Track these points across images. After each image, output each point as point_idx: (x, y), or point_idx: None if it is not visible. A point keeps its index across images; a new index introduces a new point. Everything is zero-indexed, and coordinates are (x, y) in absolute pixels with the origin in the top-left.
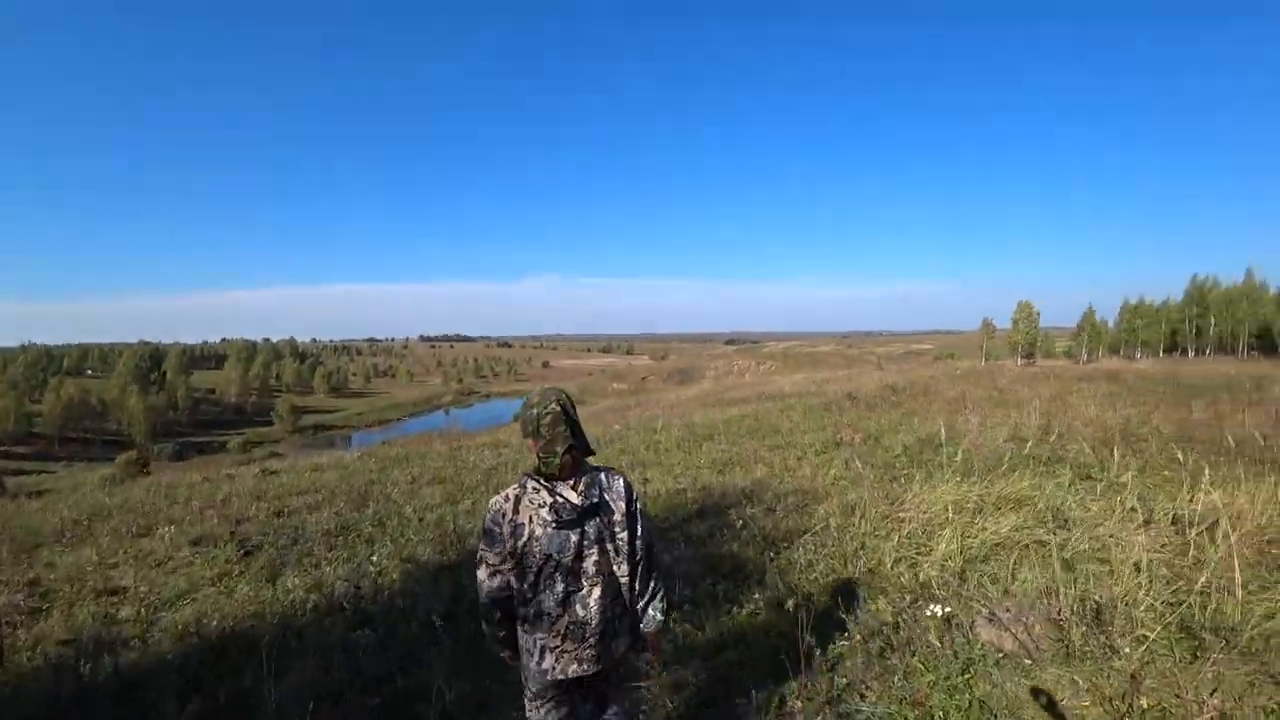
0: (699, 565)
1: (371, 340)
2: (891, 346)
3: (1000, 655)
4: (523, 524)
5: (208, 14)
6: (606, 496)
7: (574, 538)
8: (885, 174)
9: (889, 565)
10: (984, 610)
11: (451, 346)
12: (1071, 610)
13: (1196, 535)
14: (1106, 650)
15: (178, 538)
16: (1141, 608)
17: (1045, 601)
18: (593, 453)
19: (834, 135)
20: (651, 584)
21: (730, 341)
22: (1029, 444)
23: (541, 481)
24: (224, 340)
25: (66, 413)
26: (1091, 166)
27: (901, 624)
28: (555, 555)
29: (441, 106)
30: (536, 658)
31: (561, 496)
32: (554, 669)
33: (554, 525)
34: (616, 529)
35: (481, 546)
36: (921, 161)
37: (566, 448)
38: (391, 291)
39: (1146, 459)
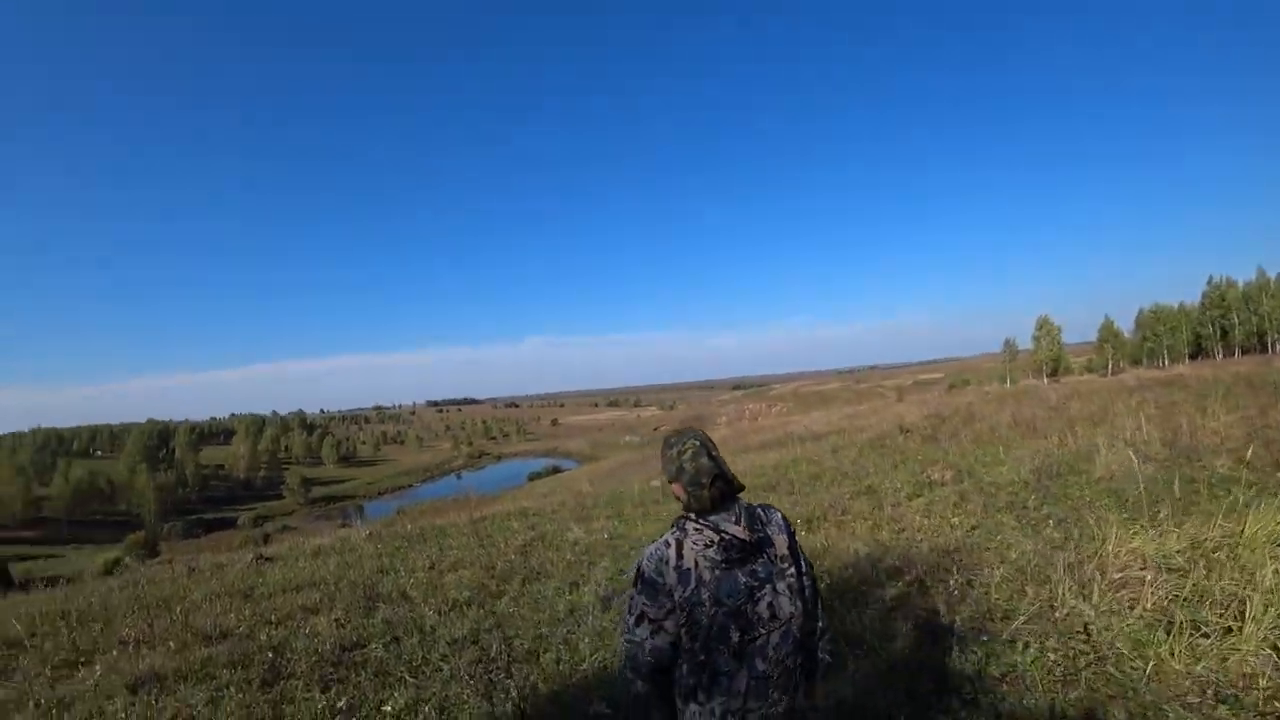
0: (879, 682)
1: (379, 408)
2: (899, 378)
3: None
4: (689, 569)
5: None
6: (768, 530)
7: (743, 578)
8: (873, 207)
9: (1172, 657)
10: None
11: (459, 410)
12: None
13: None
14: None
15: (114, 675)
16: None
17: None
18: (742, 487)
19: (815, 172)
20: (819, 624)
21: (737, 386)
22: (1157, 464)
23: (702, 520)
24: (232, 415)
25: (75, 495)
26: (1083, 180)
27: None
28: (726, 600)
29: (436, 176)
30: None
31: (727, 533)
32: None
33: (723, 565)
34: (783, 564)
35: (642, 601)
36: (909, 189)
37: (711, 478)
38: (396, 360)
39: None
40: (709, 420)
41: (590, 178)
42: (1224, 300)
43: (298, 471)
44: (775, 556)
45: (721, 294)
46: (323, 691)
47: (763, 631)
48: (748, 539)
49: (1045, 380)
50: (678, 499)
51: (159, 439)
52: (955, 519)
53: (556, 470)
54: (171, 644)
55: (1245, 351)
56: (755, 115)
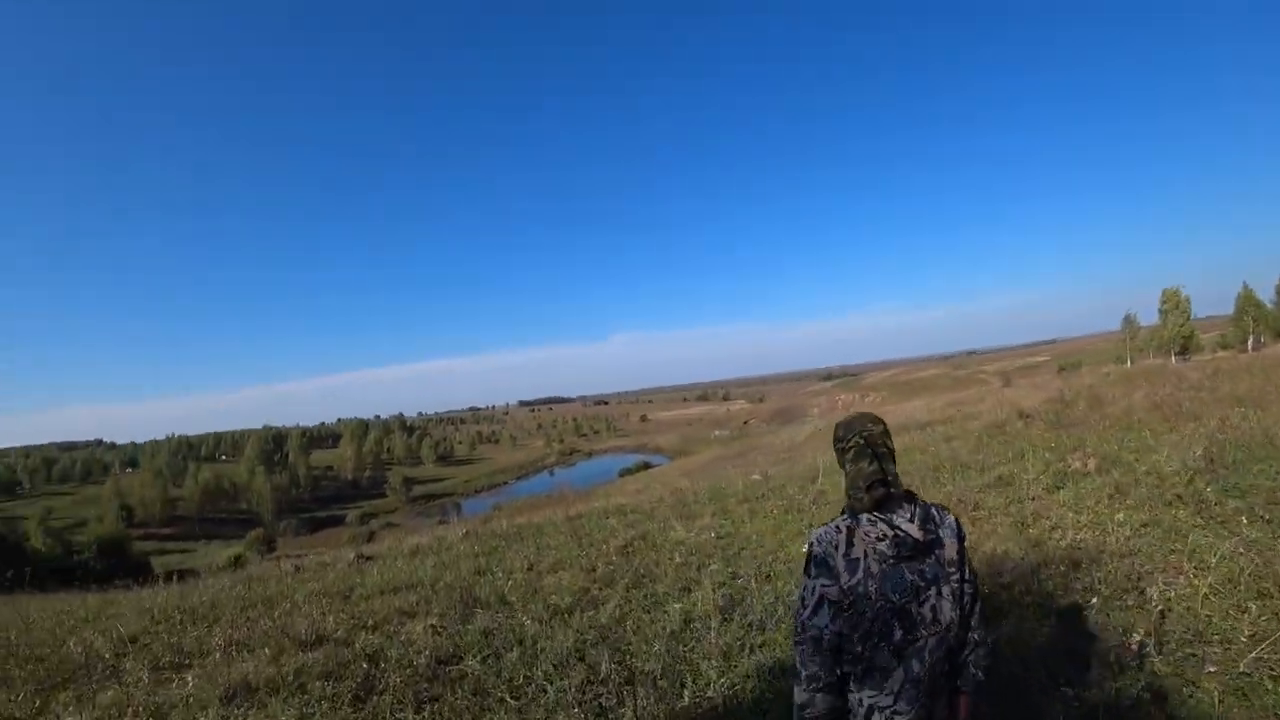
0: None
1: (473, 409)
2: (1002, 362)
3: None
4: (858, 559)
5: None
6: (940, 532)
7: (910, 576)
8: (966, 181)
9: None
10: None
11: (550, 409)
12: None
13: None
14: None
15: (209, 683)
16: None
17: None
18: (906, 489)
19: (893, 156)
20: (977, 635)
21: (827, 376)
22: None
23: (877, 513)
24: (339, 420)
25: (203, 495)
26: (1202, 135)
27: None
28: (893, 597)
29: (516, 183)
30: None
31: (901, 530)
32: None
33: (892, 561)
34: (950, 569)
35: (821, 584)
36: (1005, 156)
37: (870, 483)
38: (488, 362)
39: None
40: (798, 412)
41: (661, 173)
42: None
43: (399, 471)
44: (944, 560)
45: (807, 281)
46: (416, 711)
47: (924, 634)
48: (920, 539)
49: (1173, 359)
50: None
51: (274, 443)
52: (1118, 514)
53: (647, 466)
54: (269, 649)
55: None
56: (833, 96)
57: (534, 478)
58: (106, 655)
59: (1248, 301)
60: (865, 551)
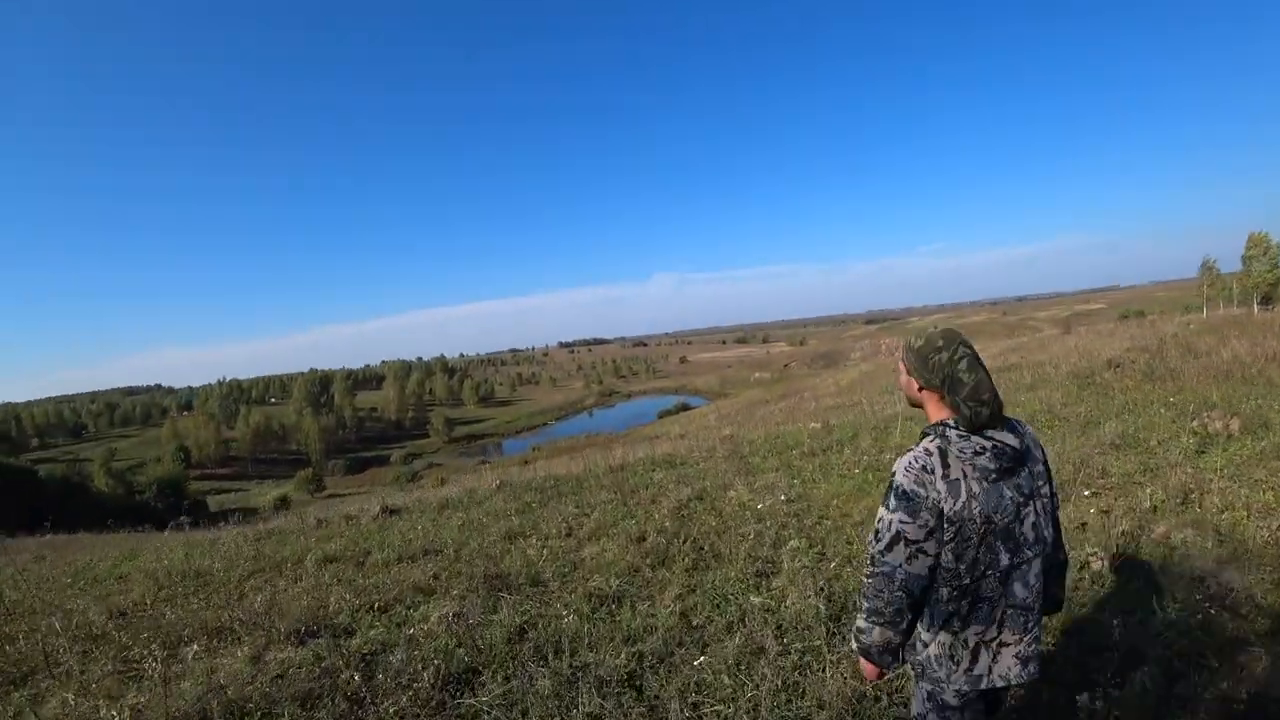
0: None
1: (514, 351)
2: (1054, 310)
3: None
4: (957, 480)
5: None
6: (1028, 442)
7: (1009, 493)
8: (1014, 115)
9: None
10: None
11: (590, 350)
12: None
13: None
14: None
15: (158, 707)
16: None
17: None
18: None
19: (950, 83)
20: (1062, 554)
21: (870, 320)
22: None
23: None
24: (383, 362)
25: (255, 437)
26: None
27: None
28: (996, 517)
29: (557, 122)
30: (966, 660)
31: (999, 440)
32: (990, 672)
33: (994, 477)
34: (1040, 482)
35: (898, 520)
36: (1058, 90)
37: (992, 395)
38: (529, 304)
39: None
40: (840, 356)
41: (705, 114)
42: None
43: (441, 412)
44: (1035, 472)
45: (850, 222)
46: None
47: (1028, 554)
48: (1019, 447)
49: (1255, 309)
50: (916, 403)
51: (320, 386)
52: None
53: (686, 408)
54: (253, 641)
55: None
56: (880, 31)
57: (573, 419)
58: (77, 644)
59: None
60: (964, 471)
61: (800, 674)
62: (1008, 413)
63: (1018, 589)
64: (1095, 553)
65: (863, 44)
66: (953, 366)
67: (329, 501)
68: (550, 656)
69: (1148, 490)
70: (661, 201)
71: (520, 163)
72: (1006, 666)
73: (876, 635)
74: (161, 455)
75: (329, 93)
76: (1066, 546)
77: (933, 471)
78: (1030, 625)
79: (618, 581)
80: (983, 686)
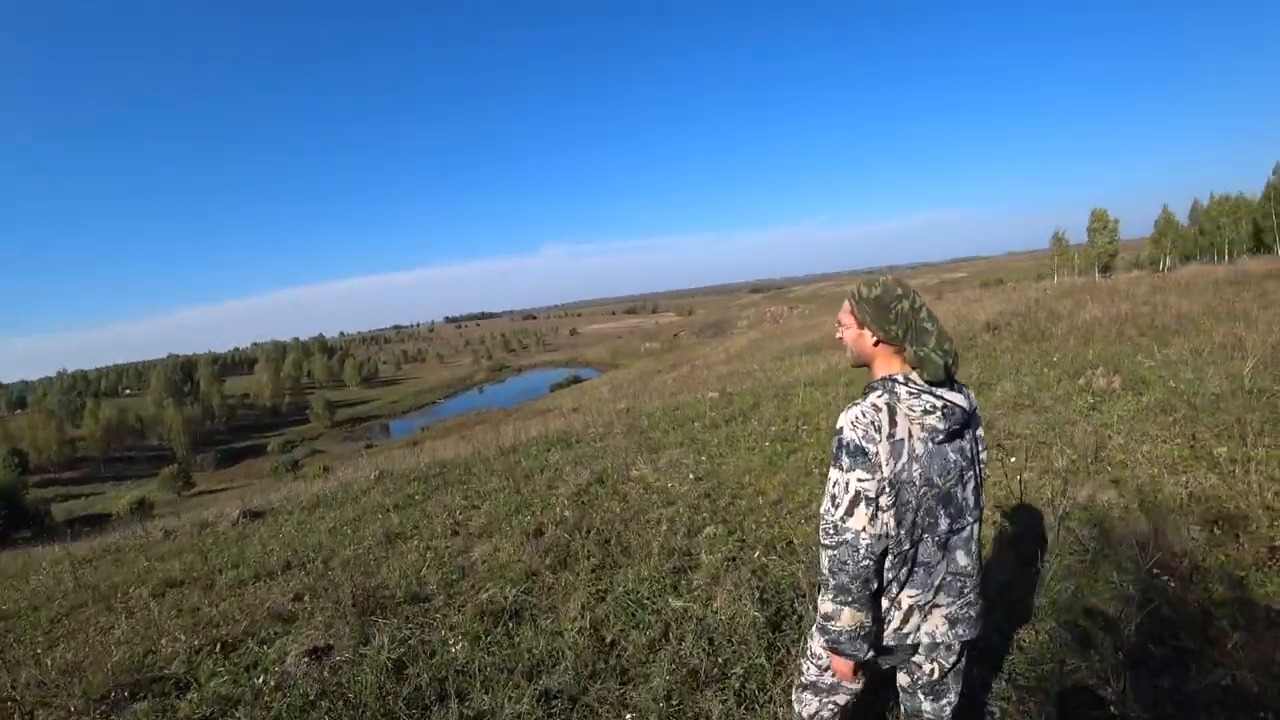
0: None
1: (397, 327)
2: (923, 278)
3: None
4: (902, 440)
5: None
6: (974, 404)
7: (953, 455)
8: (893, 98)
9: None
10: None
11: (478, 324)
12: None
13: None
14: None
15: None
16: None
17: None
18: None
19: (835, 62)
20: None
21: (755, 289)
22: None
23: (915, 384)
24: (254, 345)
25: (107, 434)
26: (1122, 62)
27: None
28: (938, 481)
29: (440, 89)
30: (896, 621)
31: (948, 399)
32: (917, 631)
33: (941, 438)
34: (979, 446)
35: (856, 479)
36: (932, 80)
37: (951, 345)
38: (412, 278)
39: None
40: (728, 325)
41: (602, 82)
42: None
43: (321, 395)
44: (977, 436)
45: (739, 195)
46: None
47: (969, 520)
48: (968, 408)
49: (1097, 277)
50: (864, 360)
51: (183, 373)
52: (1219, 448)
53: (577, 380)
54: (54, 717)
55: None
56: (774, 12)
57: (463, 396)
58: None
59: (1166, 224)
60: (910, 430)
61: (747, 708)
62: None
63: (959, 556)
64: (1034, 519)
65: (759, 10)
66: (915, 315)
67: (199, 499)
68: (433, 704)
69: (1054, 449)
70: (552, 170)
71: (399, 132)
72: (934, 624)
73: (846, 619)
74: None
75: (194, 59)
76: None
77: (879, 429)
78: (966, 591)
79: (514, 591)
80: (908, 642)
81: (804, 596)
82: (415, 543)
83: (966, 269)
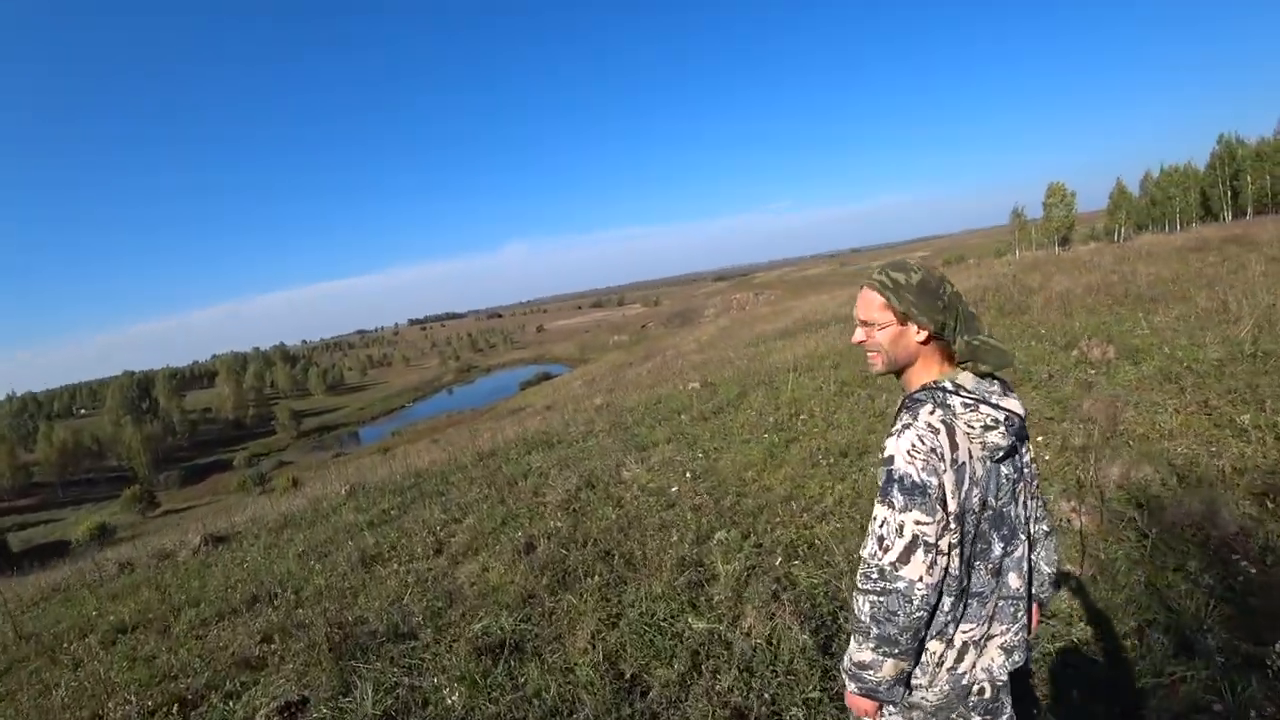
0: None
1: (361, 332)
2: (886, 259)
3: None
4: (964, 464)
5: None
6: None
7: (1005, 471)
8: (851, 82)
9: None
10: None
11: (443, 325)
12: None
13: None
14: None
15: None
16: None
17: None
18: None
19: (792, 45)
20: (1045, 526)
21: (719, 278)
22: None
23: (967, 393)
24: (213, 357)
25: (64, 457)
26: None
27: None
28: (993, 502)
29: (395, 85)
30: (951, 660)
31: (1007, 409)
32: (973, 670)
33: (1001, 455)
34: (1027, 453)
35: (913, 521)
36: (891, 63)
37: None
38: (373, 282)
39: None
40: (695, 314)
41: (554, 76)
42: (1234, 159)
43: (286, 405)
44: (1026, 444)
45: (699, 183)
46: None
47: (1021, 539)
48: (1024, 415)
49: (1056, 250)
50: (905, 364)
51: (140, 389)
52: (1243, 415)
53: (547, 377)
54: None
55: (1258, 212)
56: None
57: (432, 398)
58: None
59: (1121, 195)
60: (970, 451)
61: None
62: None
63: (1012, 579)
64: (1074, 507)
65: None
66: (959, 300)
67: (164, 520)
68: None
69: (1065, 425)
70: (510, 167)
71: (351, 134)
72: (990, 659)
73: (888, 670)
74: None
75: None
76: (1046, 520)
77: (942, 456)
78: (1020, 614)
79: (511, 619)
80: (964, 683)
81: (844, 609)
82: (395, 566)
83: (928, 247)
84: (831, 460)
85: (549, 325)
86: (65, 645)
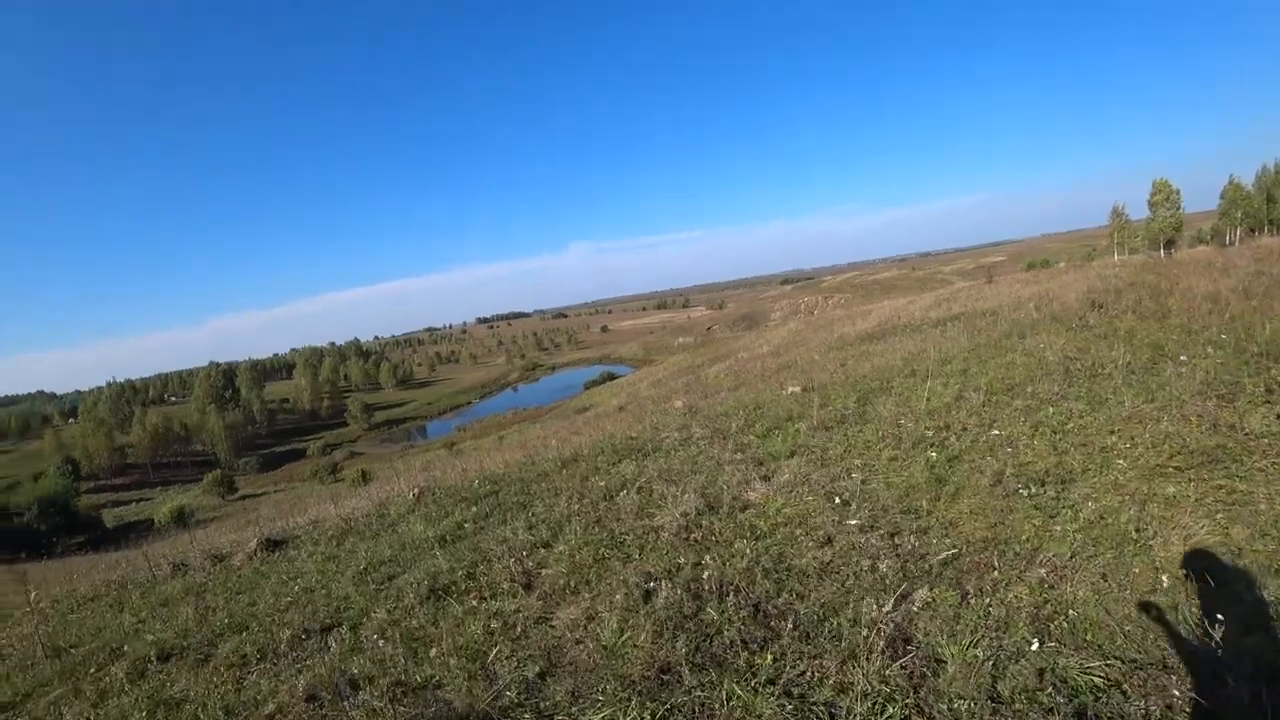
0: None
1: (430, 330)
2: (960, 263)
3: None
4: None
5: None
6: None
7: None
8: (918, 82)
9: None
10: None
11: (509, 324)
12: None
13: None
14: None
15: None
16: None
17: None
18: None
19: (854, 48)
20: None
21: (786, 281)
22: None
23: None
24: (291, 350)
25: (154, 440)
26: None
27: None
28: None
29: (463, 96)
30: None
31: None
32: None
33: None
34: None
35: None
36: (958, 62)
37: None
38: (444, 281)
39: None
40: (761, 317)
41: (623, 81)
42: None
43: (358, 398)
44: None
45: (764, 185)
46: None
47: None
48: None
49: (1161, 253)
50: None
51: (224, 380)
52: None
53: (611, 377)
54: None
55: None
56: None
57: (498, 396)
58: None
59: (1236, 193)
60: None
61: None
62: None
63: None
64: None
65: (788, 2)
66: None
67: (242, 503)
68: None
69: None
70: (575, 170)
71: (427, 136)
72: None
73: None
74: (44, 470)
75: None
76: None
77: None
78: None
79: (645, 712)
80: None
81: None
82: (473, 601)
83: (1002, 252)
84: (1032, 489)
85: (613, 325)
86: (92, 670)
